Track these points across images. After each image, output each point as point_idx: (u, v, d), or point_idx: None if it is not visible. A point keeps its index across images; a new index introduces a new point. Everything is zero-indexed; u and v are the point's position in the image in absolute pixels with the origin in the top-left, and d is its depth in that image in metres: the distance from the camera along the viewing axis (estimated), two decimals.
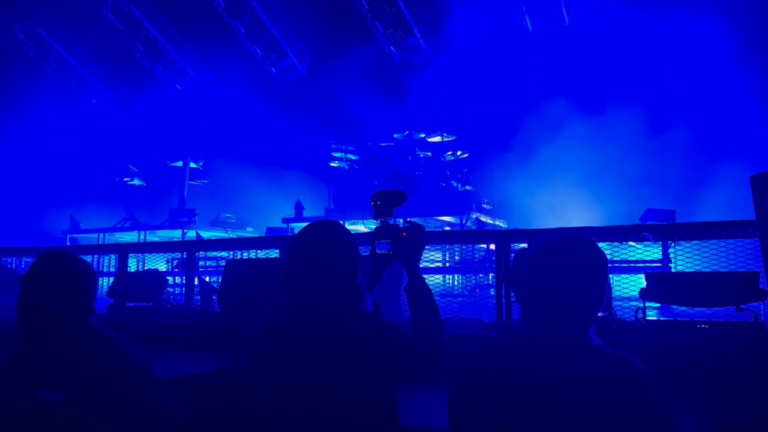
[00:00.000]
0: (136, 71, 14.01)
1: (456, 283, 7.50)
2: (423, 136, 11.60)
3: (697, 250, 4.18)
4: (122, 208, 12.70)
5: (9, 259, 6.95)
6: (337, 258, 2.01)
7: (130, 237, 12.52)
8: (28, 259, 7.89)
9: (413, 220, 2.36)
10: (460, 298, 6.23)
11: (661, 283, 3.50)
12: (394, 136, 11.65)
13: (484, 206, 11.26)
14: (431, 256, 6.93)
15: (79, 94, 14.78)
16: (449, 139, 11.62)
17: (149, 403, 2.08)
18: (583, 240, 1.80)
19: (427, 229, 2.29)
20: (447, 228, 10.94)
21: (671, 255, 5.67)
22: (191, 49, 13.88)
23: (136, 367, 2.09)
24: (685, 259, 5.07)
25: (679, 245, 5.35)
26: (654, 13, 9.83)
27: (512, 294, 3.72)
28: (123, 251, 5.65)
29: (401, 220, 2.33)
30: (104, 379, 2.02)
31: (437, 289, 6.10)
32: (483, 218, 10.84)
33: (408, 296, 2.15)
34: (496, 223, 11.16)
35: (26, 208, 13.85)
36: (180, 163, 13.24)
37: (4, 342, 2.34)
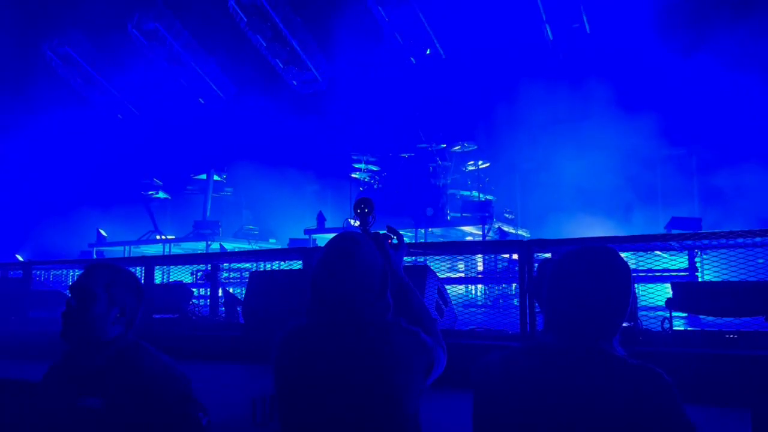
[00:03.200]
0: (160, 86, 14.25)
1: (479, 293, 7.47)
2: (444, 146, 11.60)
3: (724, 258, 4.12)
4: (149, 220, 12.89)
5: (38, 272, 7.07)
6: (369, 272, 1.99)
7: (155, 249, 12.68)
8: (57, 272, 8.05)
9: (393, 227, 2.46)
10: (483, 309, 6.20)
11: (688, 292, 3.46)
12: (418, 146, 11.68)
13: (506, 216, 11.21)
14: (454, 266, 6.91)
15: (104, 108, 15.07)
16: (470, 148, 11.61)
17: (184, 420, 2.09)
18: (605, 251, 1.81)
19: (449, 239, 2.35)
20: (469, 238, 10.91)
21: (697, 264, 5.59)
22: (214, 63, 14.08)
23: (174, 384, 2.10)
24: (712, 267, 5.00)
25: (705, 254, 5.28)
26: (678, 19, 9.73)
27: (536, 304, 3.70)
28: (149, 264, 5.74)
29: (384, 230, 2.41)
30: (142, 393, 2.04)
31: (460, 300, 6.10)
32: (505, 228, 10.78)
33: (398, 302, 2.17)
34: (519, 232, 11.09)
35: (54, 221, 14.09)
36: (203, 176, 13.39)
37: (41, 352, 2.39)
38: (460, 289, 6.95)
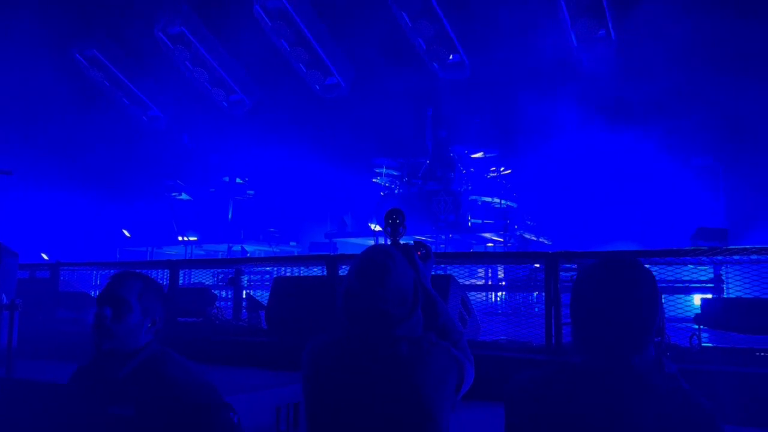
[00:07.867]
0: (185, 89, 14.39)
1: (499, 299, 7.43)
2: (466, 152, 11.59)
3: (754, 271, 4.07)
4: (172, 222, 13.02)
5: (66, 274, 7.16)
6: (403, 287, 1.97)
7: (177, 251, 12.81)
8: (83, 272, 8.16)
9: (419, 239, 2.46)
10: (504, 317, 6.15)
11: (718, 308, 3.41)
12: (438, 152, 11.66)
13: (528, 223, 11.15)
14: (474, 272, 6.88)
15: (130, 110, 15.29)
16: (491, 155, 11.58)
17: (215, 425, 2.09)
18: (629, 262, 1.74)
19: (471, 248, 2.36)
20: (490, 245, 10.86)
21: (722, 276, 5.51)
22: (238, 67, 14.21)
23: (201, 393, 2.09)
24: (735, 279, 4.93)
25: (732, 266, 5.20)
26: (707, 24, 9.57)
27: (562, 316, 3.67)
28: (174, 267, 5.79)
29: (411, 240, 2.42)
30: (169, 402, 2.04)
31: (481, 307, 6.07)
32: (527, 235, 10.73)
33: (425, 315, 2.15)
34: (540, 240, 11.02)
35: (78, 221, 14.27)
36: (226, 178, 13.52)
37: (69, 353, 2.41)
38: (481, 296, 6.92)
